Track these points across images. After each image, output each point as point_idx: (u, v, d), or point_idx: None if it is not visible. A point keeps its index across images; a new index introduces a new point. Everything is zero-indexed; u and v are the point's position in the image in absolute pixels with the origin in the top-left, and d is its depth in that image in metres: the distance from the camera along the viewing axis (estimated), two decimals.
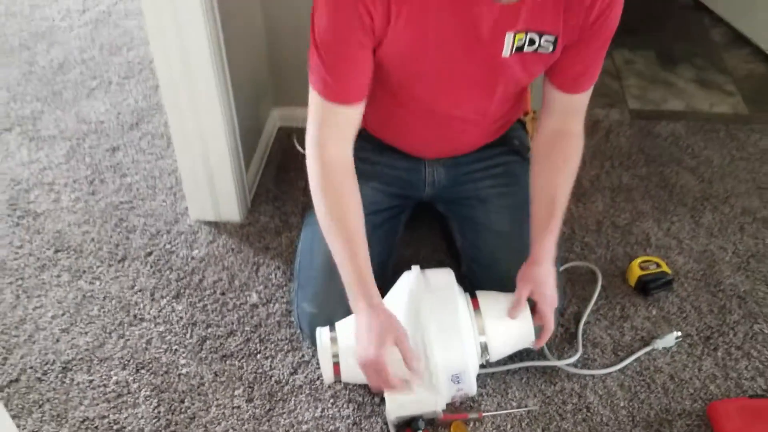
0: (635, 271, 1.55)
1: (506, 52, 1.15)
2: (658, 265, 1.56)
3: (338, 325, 1.26)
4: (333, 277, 1.30)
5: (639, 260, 1.57)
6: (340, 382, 1.31)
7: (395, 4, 1.07)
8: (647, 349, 1.43)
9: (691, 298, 1.54)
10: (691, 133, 1.99)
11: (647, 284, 1.53)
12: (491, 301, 1.24)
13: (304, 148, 1.25)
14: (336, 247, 1.21)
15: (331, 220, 1.21)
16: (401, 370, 1.14)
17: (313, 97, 1.20)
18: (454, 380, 1.18)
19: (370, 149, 1.42)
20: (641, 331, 1.47)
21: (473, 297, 1.25)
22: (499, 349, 1.24)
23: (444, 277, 1.26)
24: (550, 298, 1.22)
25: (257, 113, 1.85)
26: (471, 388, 1.21)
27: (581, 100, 1.30)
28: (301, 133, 1.31)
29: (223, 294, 1.55)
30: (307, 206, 1.57)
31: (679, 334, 1.45)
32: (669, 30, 2.48)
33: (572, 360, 1.39)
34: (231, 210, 1.70)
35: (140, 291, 1.55)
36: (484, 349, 1.22)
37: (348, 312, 1.27)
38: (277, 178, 1.84)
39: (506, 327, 1.21)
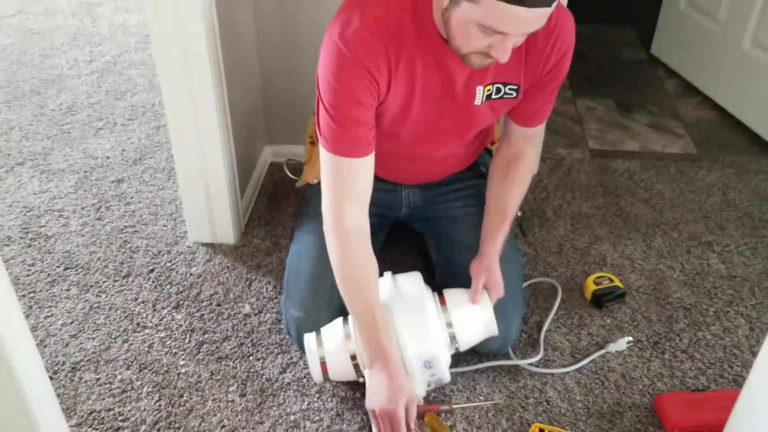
0: (590, 286, 1.72)
1: (478, 101, 1.35)
2: (611, 281, 1.74)
3: (323, 330, 1.42)
4: (317, 286, 1.48)
5: (594, 276, 1.75)
6: (328, 380, 1.46)
7: (394, 69, 1.25)
8: (601, 352, 1.59)
9: (641, 310, 1.71)
10: (645, 170, 2.20)
11: (601, 297, 1.70)
12: (455, 295, 1.41)
13: (294, 175, 1.43)
14: (355, 311, 1.35)
15: (352, 290, 1.35)
16: None
17: (326, 158, 1.32)
18: (427, 366, 1.33)
19: None
20: (596, 337, 1.64)
21: (441, 295, 1.42)
22: (466, 336, 1.39)
23: (413, 279, 1.43)
24: (498, 282, 1.41)
25: (252, 149, 2.04)
26: (444, 374, 1.36)
27: (536, 131, 1.51)
28: (292, 161, 1.50)
29: (218, 305, 1.70)
30: (295, 227, 1.74)
31: (631, 339, 1.62)
32: (627, 81, 2.73)
33: (534, 360, 1.55)
34: (226, 232, 1.86)
35: (143, 303, 1.70)
36: (453, 338, 1.38)
37: (331, 317, 1.44)
38: (268, 206, 2.02)
39: (470, 315, 1.38)
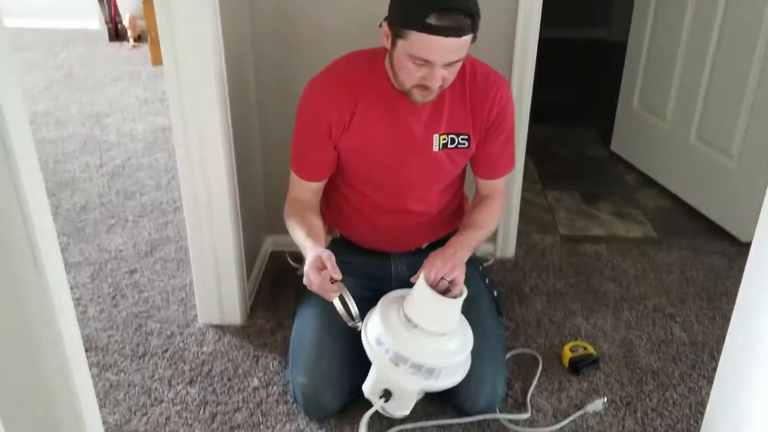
0: (567, 354, 1.91)
1: (435, 147, 1.64)
2: (586, 349, 1.93)
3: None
4: (321, 353, 1.66)
5: (569, 345, 1.94)
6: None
7: (349, 115, 1.59)
8: (580, 412, 1.76)
9: (614, 374, 1.89)
10: (611, 252, 2.44)
11: (578, 363, 1.89)
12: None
13: (296, 263, 1.64)
14: (296, 231, 1.65)
15: (295, 220, 1.68)
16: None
17: (292, 173, 1.73)
18: (378, 342, 1.53)
19: (346, 252, 1.80)
20: (575, 399, 1.81)
21: None
22: (417, 313, 1.52)
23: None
24: (437, 259, 1.57)
25: (255, 239, 2.25)
26: (392, 346, 1.52)
27: (500, 182, 1.78)
28: (293, 252, 1.72)
29: (229, 380, 1.85)
30: (297, 306, 1.92)
31: (606, 400, 1.79)
32: (591, 175, 3.01)
33: (523, 417, 1.71)
34: (234, 314, 2.04)
35: (159, 379, 1.85)
36: (408, 319, 1.53)
37: (334, 381, 1.61)
38: (271, 291, 2.20)
39: (413, 295, 1.55)
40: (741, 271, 1.39)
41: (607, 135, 3.24)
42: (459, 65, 1.49)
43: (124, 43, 4.75)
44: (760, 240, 1.33)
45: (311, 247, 1.57)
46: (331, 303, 1.57)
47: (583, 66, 4.51)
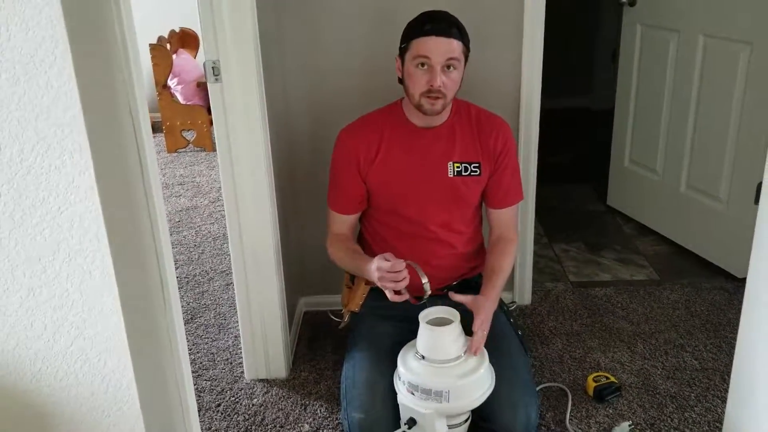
0: (591, 384, 2.07)
1: (450, 173, 1.88)
2: (608, 378, 2.09)
3: None
4: (374, 389, 1.81)
5: (592, 375, 2.10)
6: None
7: (375, 152, 1.85)
8: None
9: (636, 400, 2.05)
10: (619, 294, 2.63)
11: (602, 392, 2.05)
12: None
13: (335, 317, 1.83)
14: (346, 261, 1.90)
15: (341, 252, 1.92)
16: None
17: (329, 211, 1.96)
18: (398, 377, 1.72)
19: (384, 298, 1.97)
20: (603, 424, 1.96)
21: None
22: (422, 346, 1.70)
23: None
24: (483, 320, 1.75)
25: (292, 300, 2.43)
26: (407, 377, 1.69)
27: (509, 214, 1.98)
28: (333, 310, 1.92)
29: (281, 427, 1.99)
30: (339, 361, 2.08)
31: (631, 422, 1.95)
32: (592, 228, 3.24)
33: None
34: (279, 368, 2.19)
35: (216, 431, 1.99)
36: (417, 353, 1.70)
37: (388, 416, 1.76)
38: (308, 346, 2.36)
39: (419, 333, 1.72)
40: (740, 303, 1.58)
41: (601, 191, 3.49)
42: (456, 75, 1.77)
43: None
44: (753, 275, 1.53)
45: (368, 260, 1.82)
46: (378, 343, 1.75)
47: (570, 131, 4.81)
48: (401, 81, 1.85)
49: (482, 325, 1.76)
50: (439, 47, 1.73)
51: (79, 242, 1.03)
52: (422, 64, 1.75)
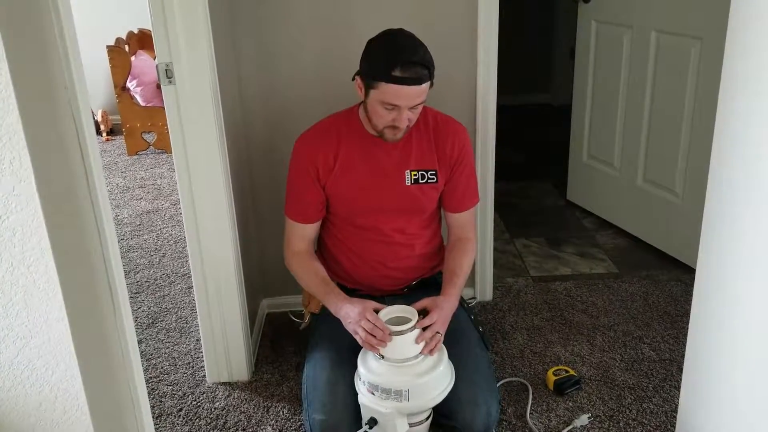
0: (551, 378, 2.10)
1: (408, 182, 1.89)
2: (567, 371, 2.12)
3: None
4: (335, 391, 1.81)
5: (552, 369, 2.13)
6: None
7: (333, 160, 1.85)
8: (569, 428, 1.94)
9: (595, 392, 2.08)
10: (579, 288, 2.66)
11: (561, 385, 2.08)
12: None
13: (296, 318, 1.82)
14: (310, 283, 1.90)
15: (303, 272, 1.92)
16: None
17: (287, 221, 1.94)
18: (358, 377, 1.74)
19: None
20: (563, 417, 1.99)
21: None
22: (389, 352, 1.71)
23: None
24: (441, 321, 1.77)
25: (253, 302, 2.41)
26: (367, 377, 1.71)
27: (467, 216, 2.00)
28: (293, 311, 1.91)
29: (244, 429, 1.98)
30: (301, 362, 2.08)
31: (590, 415, 1.97)
32: (552, 223, 3.27)
33: None
34: (241, 371, 2.18)
35: None
36: (377, 353, 1.71)
37: (348, 417, 1.76)
38: (270, 348, 2.35)
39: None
40: None
41: (560, 186, 3.53)
42: (421, 107, 1.77)
43: (98, 136, 4.94)
44: (702, 266, 1.56)
45: (339, 296, 1.82)
46: (339, 343, 1.76)
47: (530, 128, 4.86)
48: (362, 103, 1.83)
49: (440, 326, 1.77)
50: (409, 95, 1.70)
51: (21, 251, 1.01)
52: (389, 106, 1.72)
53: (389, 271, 2.00)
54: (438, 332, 1.74)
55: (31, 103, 0.99)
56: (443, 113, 1.96)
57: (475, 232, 2.05)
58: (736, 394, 1.49)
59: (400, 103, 1.70)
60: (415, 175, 1.90)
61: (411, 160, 1.89)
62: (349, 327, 1.76)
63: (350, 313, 1.76)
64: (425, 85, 1.71)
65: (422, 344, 1.75)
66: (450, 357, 1.82)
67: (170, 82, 1.88)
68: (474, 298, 2.57)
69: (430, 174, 1.90)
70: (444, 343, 1.85)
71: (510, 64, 2.85)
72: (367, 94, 1.76)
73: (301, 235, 1.95)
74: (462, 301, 2.08)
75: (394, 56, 1.68)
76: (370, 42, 1.77)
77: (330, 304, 1.84)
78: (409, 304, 1.84)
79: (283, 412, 2.04)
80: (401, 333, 1.71)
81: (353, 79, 1.80)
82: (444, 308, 1.80)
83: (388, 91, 1.69)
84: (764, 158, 1.31)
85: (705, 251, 1.55)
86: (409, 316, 1.76)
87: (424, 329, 1.72)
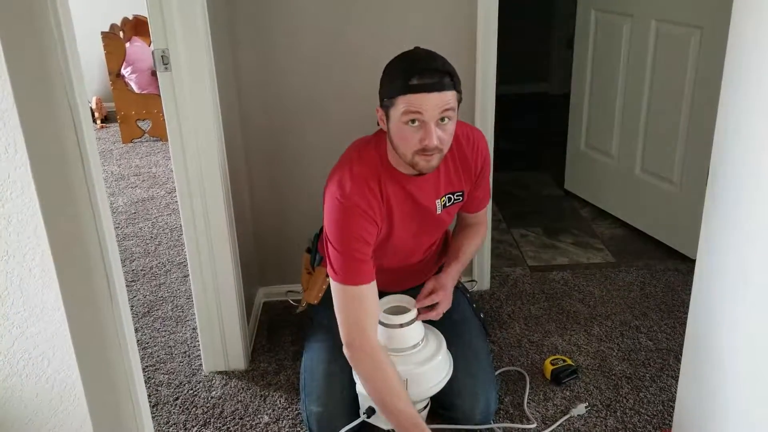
0: (548, 367, 2.10)
1: (438, 210, 1.80)
2: (565, 361, 2.12)
3: None
4: (332, 383, 1.81)
5: (550, 359, 2.13)
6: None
7: (386, 209, 1.69)
8: (566, 417, 1.94)
9: (593, 382, 2.08)
10: (576, 277, 2.66)
11: (559, 374, 2.07)
12: None
13: (295, 302, 1.83)
14: (397, 419, 1.60)
15: (393, 400, 1.60)
16: None
17: (339, 289, 1.63)
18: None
19: None
20: (560, 406, 1.99)
21: None
22: (381, 337, 1.71)
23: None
24: (443, 288, 1.79)
25: (250, 291, 2.40)
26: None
27: (481, 214, 1.98)
28: (291, 291, 1.89)
29: (241, 419, 1.97)
30: (298, 351, 2.08)
31: (587, 404, 1.98)
32: (550, 213, 3.26)
33: (531, 426, 1.88)
34: (238, 360, 2.17)
35: (174, 424, 1.96)
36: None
37: (345, 409, 1.75)
38: (268, 337, 2.34)
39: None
40: None
41: (558, 176, 3.52)
42: (451, 126, 1.58)
43: (92, 124, 4.90)
44: (703, 255, 1.56)
45: None
46: (337, 333, 1.75)
47: (528, 117, 4.85)
48: (386, 131, 1.64)
49: (445, 306, 1.79)
50: (431, 103, 1.51)
51: (17, 239, 1.00)
52: (413, 121, 1.53)
53: (409, 278, 1.97)
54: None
55: (26, 88, 0.97)
56: (462, 122, 1.76)
57: (486, 217, 2.05)
58: (735, 383, 1.49)
59: (423, 112, 1.51)
60: (444, 201, 1.79)
61: (441, 188, 1.76)
62: None
63: None
64: (449, 93, 1.53)
65: (422, 335, 1.75)
66: (449, 347, 1.82)
67: (166, 68, 1.85)
68: (474, 280, 2.55)
69: (457, 195, 1.81)
70: (445, 333, 1.84)
71: (508, 53, 2.83)
72: (388, 118, 1.58)
73: (365, 300, 1.63)
74: (464, 290, 2.07)
75: (411, 67, 1.54)
76: (386, 66, 1.62)
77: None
78: (413, 292, 1.83)
79: (280, 401, 2.03)
80: (401, 326, 1.71)
81: (377, 112, 1.65)
82: (447, 286, 1.81)
83: (407, 103, 1.51)
84: (767, 149, 1.30)
85: (706, 239, 1.54)
86: (408, 306, 1.75)
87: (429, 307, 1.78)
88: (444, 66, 1.55)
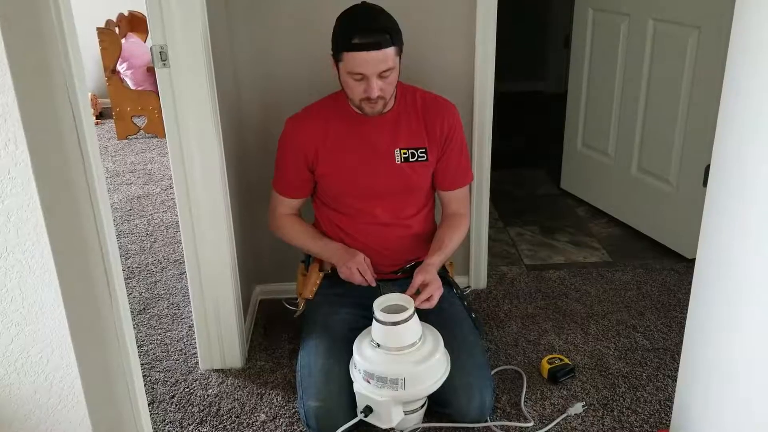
0: (545, 366, 2.10)
1: (398, 160, 1.90)
2: (561, 360, 2.12)
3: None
4: (329, 378, 1.80)
5: (547, 357, 2.12)
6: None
7: (321, 142, 1.88)
8: (563, 416, 1.94)
9: (589, 381, 2.08)
10: (572, 276, 2.66)
11: (556, 373, 2.07)
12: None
13: (290, 306, 1.82)
14: (302, 241, 2.01)
15: (293, 230, 2.02)
16: None
17: (274, 193, 2.02)
18: (354, 365, 1.76)
19: (339, 285, 1.97)
20: (557, 405, 1.99)
21: None
22: (378, 335, 1.73)
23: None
24: (434, 280, 1.85)
25: (246, 289, 2.39)
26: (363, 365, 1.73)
27: (459, 194, 2.02)
28: (288, 299, 1.88)
29: (237, 417, 1.97)
30: (295, 349, 2.07)
31: (584, 403, 1.98)
32: (546, 211, 3.27)
33: (528, 425, 1.88)
34: (234, 358, 2.16)
35: (170, 423, 1.95)
36: (373, 342, 1.73)
37: (343, 404, 1.75)
38: (264, 335, 2.34)
39: (374, 322, 1.75)
40: (690, 284, 1.61)
41: (554, 174, 3.52)
42: (393, 76, 1.77)
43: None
44: (702, 255, 1.56)
45: (337, 247, 1.95)
46: (333, 330, 1.75)
47: (524, 115, 4.85)
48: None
49: (437, 295, 1.84)
50: (371, 61, 1.71)
51: (17, 236, 0.99)
52: (357, 76, 1.74)
53: (384, 252, 1.99)
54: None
55: (27, 83, 0.96)
56: (432, 93, 1.97)
57: (468, 210, 2.07)
58: (734, 383, 1.49)
59: (364, 70, 1.71)
60: (404, 153, 1.91)
61: (400, 138, 1.90)
62: (345, 269, 1.89)
63: (345, 255, 1.90)
64: (388, 50, 1.71)
65: (419, 333, 1.75)
66: (444, 345, 1.82)
67: (165, 65, 1.84)
68: (468, 286, 2.57)
69: (420, 152, 1.91)
70: (438, 331, 1.84)
71: (505, 51, 2.83)
72: (337, 68, 1.79)
73: (288, 205, 2.02)
74: (455, 288, 2.07)
75: (353, 25, 1.73)
76: (336, 19, 1.79)
77: (326, 252, 1.95)
78: (403, 288, 1.83)
79: (276, 399, 2.03)
80: (397, 323, 1.71)
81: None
82: (435, 276, 1.86)
83: (350, 60, 1.71)
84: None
85: (705, 239, 1.55)
86: (405, 305, 1.75)
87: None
88: (383, 24, 1.73)
